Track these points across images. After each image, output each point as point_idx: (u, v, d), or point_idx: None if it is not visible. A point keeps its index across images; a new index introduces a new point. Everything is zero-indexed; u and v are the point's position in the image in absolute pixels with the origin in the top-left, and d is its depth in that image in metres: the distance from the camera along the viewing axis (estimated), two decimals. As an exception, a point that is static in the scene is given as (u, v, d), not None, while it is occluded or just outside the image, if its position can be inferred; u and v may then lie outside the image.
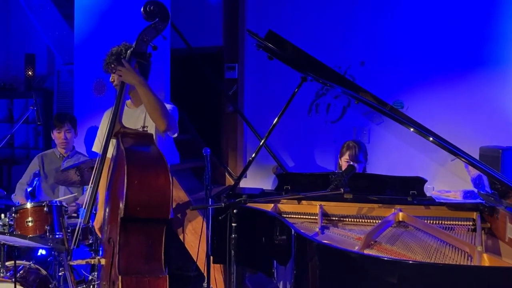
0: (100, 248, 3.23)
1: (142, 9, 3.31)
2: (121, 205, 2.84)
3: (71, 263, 3.22)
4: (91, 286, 3.95)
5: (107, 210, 3.26)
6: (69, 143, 5.02)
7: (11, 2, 8.04)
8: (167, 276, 2.87)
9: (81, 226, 3.27)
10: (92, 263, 3.13)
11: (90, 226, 3.87)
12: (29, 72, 7.78)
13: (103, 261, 3.03)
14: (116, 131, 3.18)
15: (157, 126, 3.43)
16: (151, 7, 3.30)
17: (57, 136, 4.98)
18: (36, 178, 5.01)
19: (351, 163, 4.35)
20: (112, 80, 3.62)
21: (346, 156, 4.42)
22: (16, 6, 7.79)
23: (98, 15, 5.48)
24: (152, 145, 3.20)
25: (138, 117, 3.59)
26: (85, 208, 3.22)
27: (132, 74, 3.33)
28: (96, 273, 3.75)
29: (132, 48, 3.37)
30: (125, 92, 3.38)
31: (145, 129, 3.49)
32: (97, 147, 3.77)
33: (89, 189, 3.28)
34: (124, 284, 2.76)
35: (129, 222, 2.86)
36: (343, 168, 4.12)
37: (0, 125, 7.85)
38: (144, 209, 2.87)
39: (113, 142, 3.28)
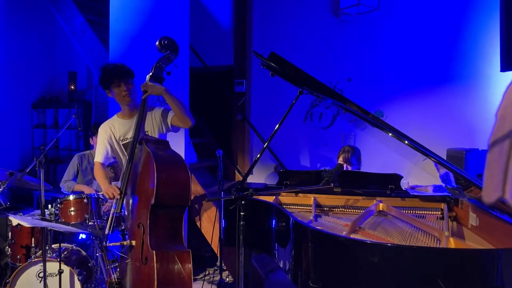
0: (127, 234, 3.26)
1: (157, 43, 3.44)
2: (150, 196, 2.92)
3: (108, 245, 3.24)
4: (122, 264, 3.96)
5: (130, 201, 3.29)
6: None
7: (57, 29, 8.08)
8: (190, 251, 2.93)
9: (114, 215, 3.29)
10: (125, 244, 3.16)
11: (123, 214, 3.89)
12: (72, 87, 7.82)
13: (134, 243, 3.07)
14: (141, 138, 3.24)
15: (184, 124, 3.53)
16: (165, 41, 3.45)
17: (96, 142, 4.99)
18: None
19: (343, 164, 4.35)
20: (122, 94, 3.63)
21: (341, 158, 4.42)
22: (61, 32, 7.84)
23: (129, 39, 5.51)
24: (169, 147, 3.30)
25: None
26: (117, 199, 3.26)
27: (157, 87, 3.42)
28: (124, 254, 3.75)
29: (151, 73, 3.46)
30: (147, 104, 3.46)
31: (147, 132, 3.56)
32: (99, 157, 3.76)
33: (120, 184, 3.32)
34: (157, 257, 2.83)
35: (157, 208, 2.94)
36: None
37: (48, 131, 7.90)
38: (169, 197, 2.97)
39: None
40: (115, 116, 3.83)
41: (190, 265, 2.91)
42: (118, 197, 3.26)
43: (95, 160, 3.80)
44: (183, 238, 3.05)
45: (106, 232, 3.34)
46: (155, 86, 3.41)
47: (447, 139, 4.82)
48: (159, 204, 2.93)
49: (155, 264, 2.81)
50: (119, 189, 3.27)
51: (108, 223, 3.32)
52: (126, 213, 3.44)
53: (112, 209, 3.32)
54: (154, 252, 2.83)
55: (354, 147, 4.52)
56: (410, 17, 5.18)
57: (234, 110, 6.22)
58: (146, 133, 3.53)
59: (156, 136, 3.59)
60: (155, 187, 2.90)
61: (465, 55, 4.91)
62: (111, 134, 3.73)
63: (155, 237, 2.93)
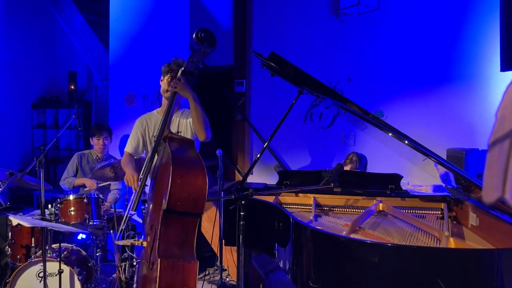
0: (143, 233, 3.19)
1: (194, 35, 3.18)
2: (164, 199, 2.80)
3: (118, 243, 3.16)
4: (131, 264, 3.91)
5: (151, 202, 3.21)
6: (106, 148, 5.05)
7: (57, 29, 8.09)
8: (198, 262, 2.83)
9: (128, 214, 3.22)
10: (136, 244, 3.07)
11: (123, 214, 3.88)
12: (72, 87, 7.83)
13: (145, 244, 3.00)
14: (165, 135, 3.13)
15: (198, 136, 3.38)
16: (202, 34, 3.22)
17: (96, 142, 5.00)
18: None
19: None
20: (165, 88, 3.55)
21: (348, 167, 4.39)
22: (61, 32, 7.85)
23: (129, 39, 5.51)
24: (193, 149, 3.08)
25: (173, 123, 3.53)
26: (132, 198, 3.18)
27: (187, 89, 3.26)
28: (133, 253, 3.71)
29: (183, 67, 3.29)
30: (176, 102, 3.30)
31: (180, 133, 3.45)
32: (129, 147, 3.69)
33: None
34: (161, 266, 2.73)
35: (170, 214, 2.81)
36: None
37: (48, 131, 7.90)
38: (183, 204, 2.81)
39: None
40: (155, 110, 3.77)
41: (195, 276, 2.83)
42: (133, 187, 3.19)
43: (125, 149, 3.73)
44: (194, 246, 2.93)
45: (121, 227, 3.31)
46: (185, 88, 3.26)
47: (447, 139, 4.82)
48: (171, 210, 2.83)
49: (158, 273, 2.76)
50: (139, 179, 3.18)
51: (123, 219, 3.28)
52: (143, 216, 3.37)
53: (128, 208, 3.25)
54: (159, 260, 2.77)
55: (361, 156, 4.48)
56: (410, 17, 5.18)
57: (234, 110, 6.22)
58: (177, 132, 3.44)
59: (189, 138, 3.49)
60: (168, 191, 2.83)
61: (465, 55, 4.91)
62: (146, 127, 3.68)
63: (164, 243, 2.83)
